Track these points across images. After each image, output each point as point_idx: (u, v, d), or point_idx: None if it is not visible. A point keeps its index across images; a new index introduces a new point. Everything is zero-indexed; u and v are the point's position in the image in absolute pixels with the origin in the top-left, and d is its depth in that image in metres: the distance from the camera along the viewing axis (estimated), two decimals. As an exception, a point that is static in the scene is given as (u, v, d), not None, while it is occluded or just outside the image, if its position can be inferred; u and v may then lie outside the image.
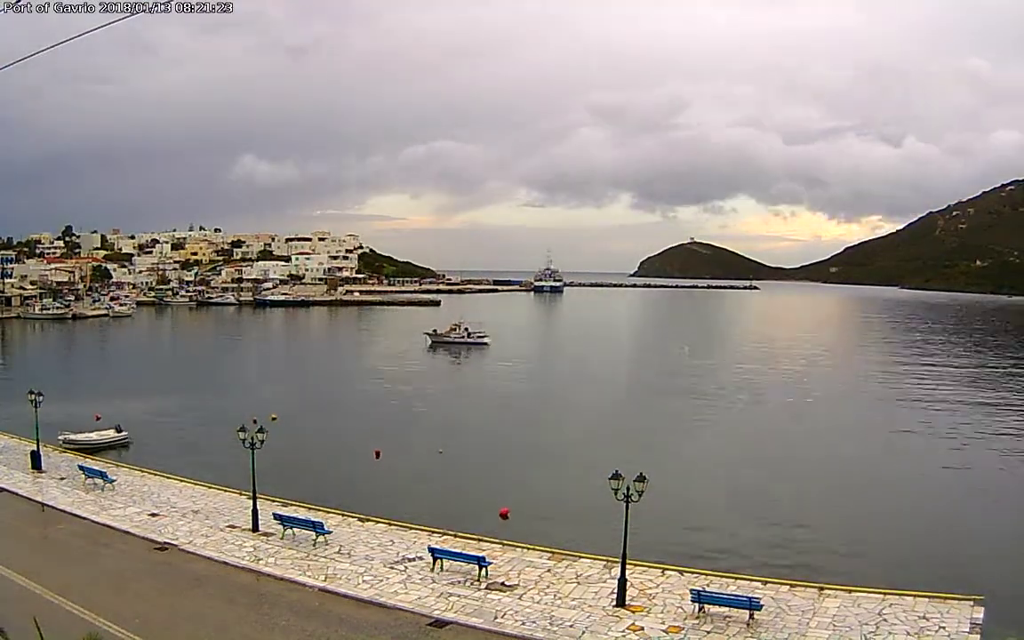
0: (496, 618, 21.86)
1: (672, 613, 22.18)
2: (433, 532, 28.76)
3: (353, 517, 30.85)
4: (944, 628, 20.79)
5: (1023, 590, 25.75)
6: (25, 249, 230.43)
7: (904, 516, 35.31)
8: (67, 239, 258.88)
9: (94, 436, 45.31)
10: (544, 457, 45.18)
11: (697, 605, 22.10)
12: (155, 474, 37.16)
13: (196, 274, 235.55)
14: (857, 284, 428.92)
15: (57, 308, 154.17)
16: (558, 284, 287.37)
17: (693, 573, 24.97)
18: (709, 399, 65.79)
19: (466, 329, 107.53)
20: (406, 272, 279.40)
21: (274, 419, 48.27)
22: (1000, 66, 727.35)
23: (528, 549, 27.35)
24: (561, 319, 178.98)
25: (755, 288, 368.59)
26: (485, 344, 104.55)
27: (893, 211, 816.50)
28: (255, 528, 29.06)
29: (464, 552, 26.12)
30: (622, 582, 22.97)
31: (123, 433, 46.57)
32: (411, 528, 29.48)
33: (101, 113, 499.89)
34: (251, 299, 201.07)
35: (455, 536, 28.35)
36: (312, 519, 29.14)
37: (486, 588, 24.05)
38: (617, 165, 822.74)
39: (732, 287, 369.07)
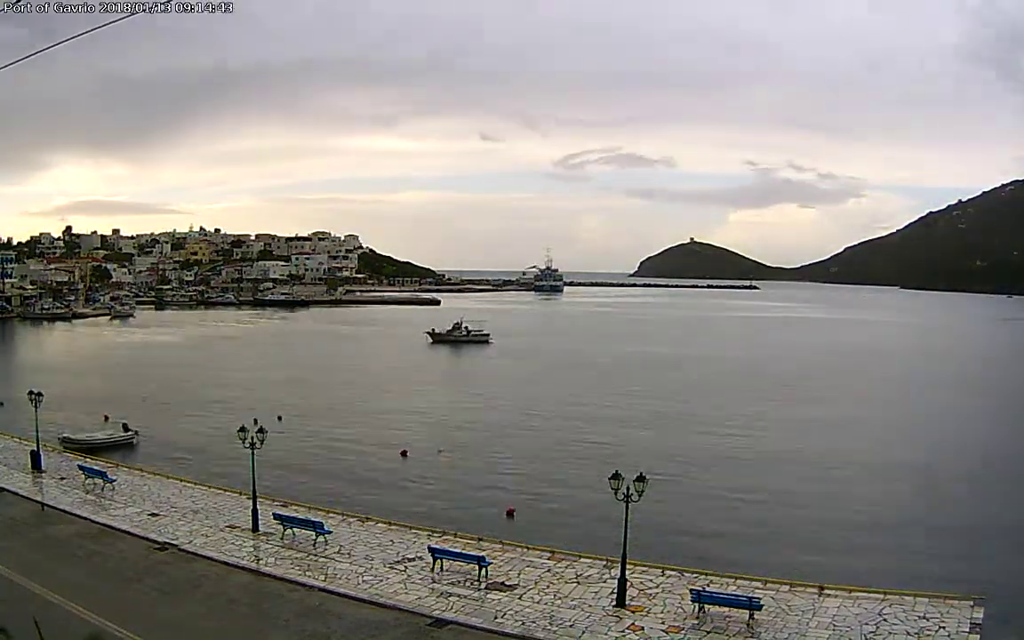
0: (496, 618, 21.86)
1: (672, 613, 22.17)
2: (433, 532, 28.75)
3: (353, 517, 30.82)
4: (944, 628, 20.78)
5: (1023, 590, 25.75)
6: (25, 249, 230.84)
7: (904, 516, 35.28)
8: (67, 239, 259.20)
9: (101, 435, 45.21)
10: (544, 457, 45.16)
11: (697, 605, 22.08)
12: (155, 474, 37.13)
13: (196, 274, 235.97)
14: (858, 284, 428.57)
15: (57, 308, 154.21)
16: (557, 284, 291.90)
17: (693, 573, 24.90)
18: (709, 401, 65.78)
19: (466, 328, 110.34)
20: (406, 272, 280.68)
21: (280, 419, 48.67)
22: None
23: (528, 549, 27.32)
24: (562, 320, 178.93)
25: (755, 288, 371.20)
26: (485, 340, 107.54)
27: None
28: (255, 528, 29.04)
29: (464, 552, 26.10)
30: (622, 582, 22.97)
31: (130, 431, 46.42)
32: (411, 528, 29.46)
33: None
34: (251, 299, 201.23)
35: (455, 536, 28.35)
36: (312, 519, 29.11)
37: (486, 588, 24.03)
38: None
39: (732, 287, 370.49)
